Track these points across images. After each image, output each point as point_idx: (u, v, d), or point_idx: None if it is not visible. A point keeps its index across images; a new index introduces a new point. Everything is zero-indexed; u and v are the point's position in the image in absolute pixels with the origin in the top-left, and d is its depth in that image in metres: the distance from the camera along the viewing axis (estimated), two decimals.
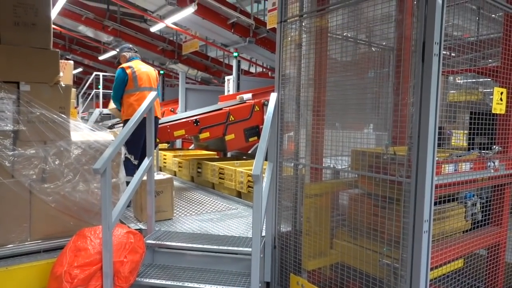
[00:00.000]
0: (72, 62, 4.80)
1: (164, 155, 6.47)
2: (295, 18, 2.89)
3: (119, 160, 3.27)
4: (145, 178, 3.13)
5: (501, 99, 2.27)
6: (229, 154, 6.37)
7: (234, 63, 7.44)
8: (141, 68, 4.20)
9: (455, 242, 2.31)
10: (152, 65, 13.87)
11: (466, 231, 2.57)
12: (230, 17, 7.12)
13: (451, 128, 2.85)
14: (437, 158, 2.01)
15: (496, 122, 2.54)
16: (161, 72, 11.46)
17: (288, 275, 2.79)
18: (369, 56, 2.94)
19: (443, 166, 2.14)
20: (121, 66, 4.20)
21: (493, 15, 2.92)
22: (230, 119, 5.03)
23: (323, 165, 2.78)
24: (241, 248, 2.81)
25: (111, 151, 2.48)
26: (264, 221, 2.87)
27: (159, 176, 3.66)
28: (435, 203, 2.03)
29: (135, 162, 3.72)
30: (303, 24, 2.93)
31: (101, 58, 12.96)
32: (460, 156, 2.35)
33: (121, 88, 4.11)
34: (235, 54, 7.49)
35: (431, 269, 2.12)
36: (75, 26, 9.50)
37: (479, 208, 2.42)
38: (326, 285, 2.60)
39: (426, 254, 1.94)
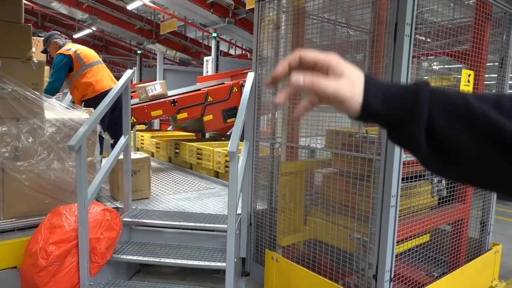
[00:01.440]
0: None
1: (142, 136, 6.42)
2: None
3: (94, 138, 3.24)
4: (121, 157, 3.12)
5: (468, 81, 2.37)
6: (207, 135, 6.37)
7: (213, 44, 7.37)
8: (80, 48, 4.09)
9: (422, 217, 2.43)
10: (130, 44, 13.59)
11: (433, 207, 2.70)
12: None
13: None
14: None
15: None
16: (139, 52, 11.25)
17: (263, 251, 2.87)
18: (346, 38, 2.98)
19: None
20: (58, 52, 3.97)
21: (466, 2, 3.00)
22: (209, 100, 5.02)
23: (299, 144, 2.84)
24: (217, 225, 2.86)
25: (86, 128, 2.46)
26: (240, 199, 2.93)
27: (136, 155, 3.65)
28: (403, 179, 2.12)
29: (111, 141, 3.69)
30: (281, 3, 2.94)
31: (75, 36, 12.56)
32: None
33: (64, 73, 3.90)
34: (214, 34, 7.41)
35: (399, 242, 2.23)
36: (48, 2, 9.16)
37: (444, 185, 2.54)
38: (299, 259, 2.69)
39: (393, 227, 2.04)
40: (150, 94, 4.81)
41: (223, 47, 12.25)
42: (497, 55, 2.91)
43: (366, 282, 2.23)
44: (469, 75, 2.36)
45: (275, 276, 2.74)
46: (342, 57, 0.55)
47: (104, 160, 3.59)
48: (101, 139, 3.69)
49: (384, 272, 2.07)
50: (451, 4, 3.01)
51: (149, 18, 10.80)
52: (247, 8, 6.46)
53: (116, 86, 2.98)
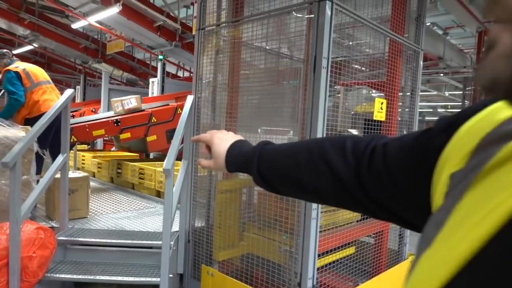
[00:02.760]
0: None
1: (83, 155, 6.28)
2: (212, 27, 3.11)
3: (31, 157, 3.20)
4: (59, 175, 3.10)
5: (381, 108, 2.69)
6: (151, 156, 6.38)
7: (159, 65, 7.46)
8: (28, 66, 4.09)
9: (346, 229, 2.67)
10: (74, 62, 13.25)
11: (358, 221, 2.97)
12: (156, 20, 7.15)
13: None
14: None
15: (381, 127, 2.99)
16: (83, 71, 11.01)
17: (200, 267, 2.96)
18: (280, 65, 3.25)
19: None
20: (6, 69, 3.94)
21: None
22: (153, 121, 5.09)
23: None
24: (154, 242, 2.92)
25: (21, 146, 2.46)
26: (179, 217, 3.03)
27: (74, 174, 3.62)
28: None
29: (48, 160, 3.65)
30: (220, 32, 3.16)
31: (15, 52, 12.04)
32: None
33: (20, 85, 3.86)
34: (160, 57, 7.53)
35: (326, 253, 2.44)
36: None
37: None
38: (234, 273, 2.82)
39: (314, 237, 2.25)
40: (126, 107, 5.02)
41: (172, 69, 12.34)
42: (409, 86, 3.32)
43: None
44: (382, 103, 2.69)
45: None
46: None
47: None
48: (40, 158, 3.63)
49: (307, 279, 2.26)
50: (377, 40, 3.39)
51: (95, 37, 10.67)
52: (193, 33, 6.67)
53: (55, 105, 3.00)
